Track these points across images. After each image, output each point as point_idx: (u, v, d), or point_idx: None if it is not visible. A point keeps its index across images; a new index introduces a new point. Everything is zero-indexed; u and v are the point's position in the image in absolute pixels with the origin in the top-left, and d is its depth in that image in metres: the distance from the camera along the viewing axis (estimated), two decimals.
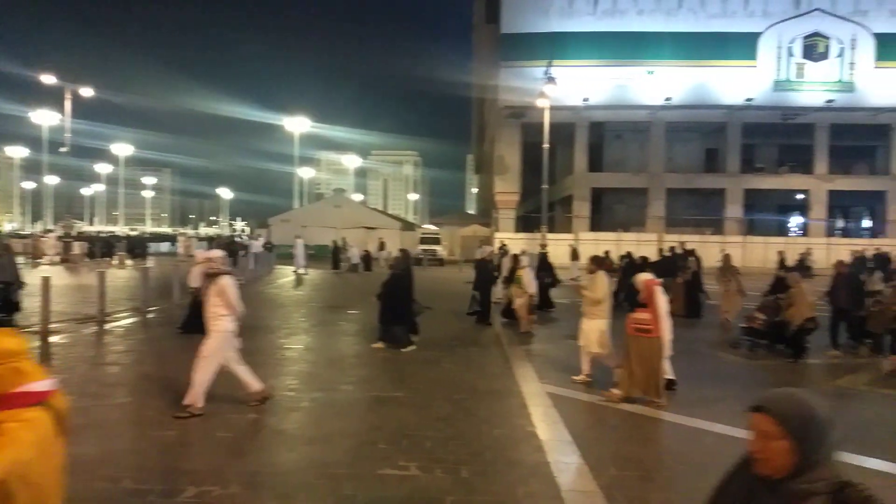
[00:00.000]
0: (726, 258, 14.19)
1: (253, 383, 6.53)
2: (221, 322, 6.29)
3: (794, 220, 42.10)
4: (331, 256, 30.22)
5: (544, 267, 15.72)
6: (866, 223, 42.94)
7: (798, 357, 9.68)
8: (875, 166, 39.16)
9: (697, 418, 6.60)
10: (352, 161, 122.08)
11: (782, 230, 40.97)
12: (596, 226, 36.93)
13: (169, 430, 5.78)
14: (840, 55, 35.62)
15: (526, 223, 38.50)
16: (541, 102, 28.11)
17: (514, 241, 33.86)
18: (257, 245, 31.79)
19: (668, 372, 7.52)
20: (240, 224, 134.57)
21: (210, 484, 4.55)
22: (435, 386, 7.70)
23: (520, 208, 39.67)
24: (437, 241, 37.24)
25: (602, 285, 8.03)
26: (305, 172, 79.88)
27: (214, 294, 6.29)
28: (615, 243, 29.69)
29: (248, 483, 4.62)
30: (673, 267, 15.90)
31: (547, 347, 10.75)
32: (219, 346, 6.26)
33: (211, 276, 6.41)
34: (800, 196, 38.55)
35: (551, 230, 32.03)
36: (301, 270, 26.51)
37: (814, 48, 35.69)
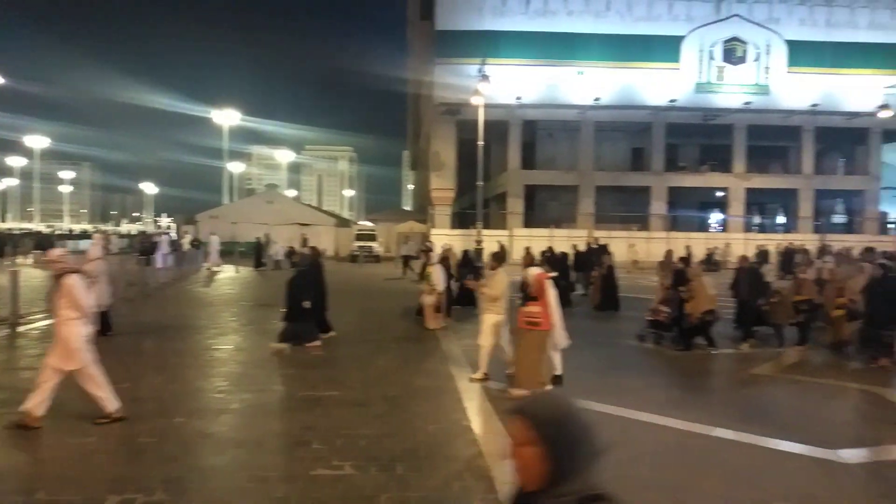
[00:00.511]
0: (668, 254, 14.86)
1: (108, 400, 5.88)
2: (70, 326, 5.69)
3: (715, 217, 44.22)
4: (254, 254, 29.39)
5: (466, 263, 15.74)
6: (780, 219, 45.58)
7: (688, 349, 9.98)
8: (788, 166, 41.58)
9: (623, 407, 6.84)
10: (285, 156, 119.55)
11: (703, 226, 42.97)
12: (530, 222, 37.58)
13: (89, 436, 5.50)
14: (756, 59, 37.60)
15: (462, 220, 38.76)
16: (475, 100, 28.34)
17: (450, 237, 34.09)
18: (185, 242, 30.64)
19: (557, 367, 7.65)
20: (165, 220, 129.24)
21: (133, 491, 4.36)
22: (370, 384, 7.65)
23: (455, 205, 39.91)
24: (372, 238, 36.98)
25: (500, 282, 8.01)
26: (235, 167, 77.50)
27: (62, 296, 5.69)
28: (548, 239, 30.32)
29: (174, 489, 4.45)
30: (591, 261, 16.48)
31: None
32: (71, 355, 5.67)
33: (57, 277, 5.79)
34: (720, 193, 40.46)
35: (486, 227, 32.36)
36: (215, 268, 26.08)
37: (733, 52, 37.53)
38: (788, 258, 21.72)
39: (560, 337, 7.47)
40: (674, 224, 38.54)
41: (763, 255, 21.35)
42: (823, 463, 5.41)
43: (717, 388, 8.50)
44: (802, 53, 37.15)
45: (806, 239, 33.53)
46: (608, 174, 38.89)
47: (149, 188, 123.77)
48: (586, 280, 16.86)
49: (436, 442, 5.66)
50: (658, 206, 38.32)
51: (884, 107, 29.96)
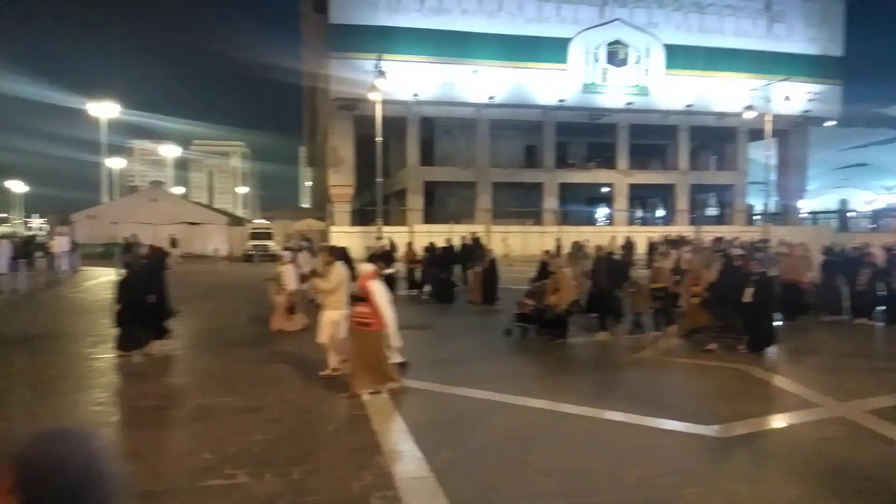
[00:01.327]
0: (576, 245, 15.47)
1: None
2: None
3: (602, 211, 46.62)
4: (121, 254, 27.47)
5: (384, 258, 15.64)
6: (660, 213, 48.76)
7: (559, 338, 10.14)
8: (667, 162, 44.49)
9: (512, 394, 7.06)
10: (170, 151, 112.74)
11: (591, 220, 45.14)
12: (429, 218, 37.83)
13: None
14: (637, 62, 39.91)
15: (362, 216, 38.39)
16: (372, 96, 28.08)
17: (350, 234, 33.67)
18: (65, 243, 28.09)
19: (397, 357, 7.69)
20: (37, 221, 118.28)
21: None
22: (266, 387, 7.40)
23: (355, 202, 39.45)
24: (268, 237, 35.77)
25: (335, 276, 7.79)
26: (115, 163, 72.23)
27: None
28: (448, 235, 30.67)
29: None
30: (472, 256, 16.86)
31: None
32: None
33: None
34: (605, 189, 42.65)
35: (387, 223, 32.20)
36: (72, 272, 24.58)
37: (616, 55, 39.61)
38: (654, 249, 23.20)
39: (394, 336, 7.42)
40: (565, 219, 40.17)
41: (629, 246, 22.77)
42: (702, 438, 5.85)
43: (601, 374, 8.85)
44: (678, 57, 39.84)
45: (683, 230, 36.05)
46: (504, 171, 39.90)
47: (16, 186, 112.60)
48: (466, 275, 17.16)
49: (335, 442, 5.58)
50: (550, 202, 39.79)
51: (749, 108, 32.70)
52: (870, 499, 4.49)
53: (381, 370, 7.01)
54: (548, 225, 37.68)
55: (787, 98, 31.46)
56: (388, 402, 6.75)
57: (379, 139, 28.48)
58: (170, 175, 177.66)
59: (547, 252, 13.34)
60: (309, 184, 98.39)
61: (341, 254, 14.53)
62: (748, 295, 9.26)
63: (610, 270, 11.31)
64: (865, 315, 12.29)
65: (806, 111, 40.82)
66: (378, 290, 7.11)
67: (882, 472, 5.02)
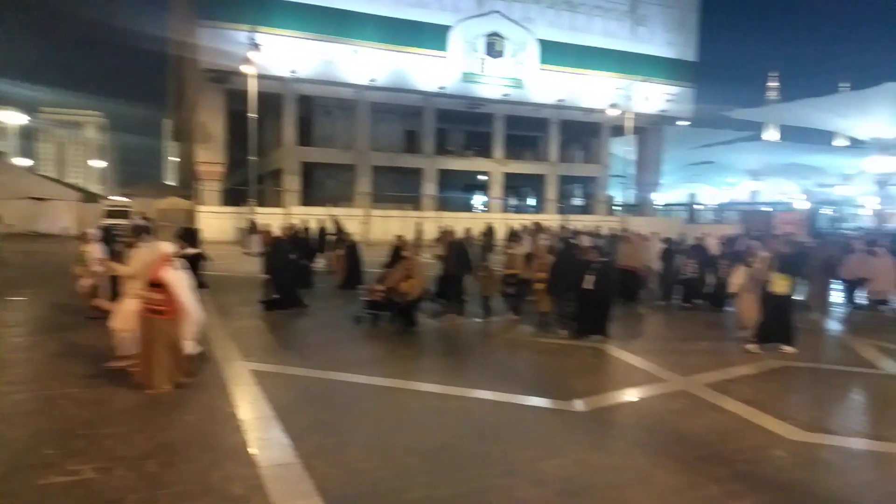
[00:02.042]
0: (446, 233, 15.64)
1: None
2: None
3: (478, 199, 47.88)
4: None
5: (187, 237, 13.71)
6: (532, 201, 50.90)
7: (411, 325, 9.97)
8: (538, 153, 46.46)
9: (385, 378, 7.13)
10: (13, 118, 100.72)
11: (468, 207, 46.23)
12: (307, 200, 36.86)
13: None
14: (514, 55, 41.17)
15: (233, 196, 36.57)
16: (245, 69, 26.79)
17: (219, 215, 32.01)
18: None
19: (191, 348, 6.94)
20: None
21: None
22: (118, 377, 6.87)
23: (226, 180, 37.48)
24: (126, 215, 33.09)
25: (137, 260, 6.99)
26: None
27: None
28: (325, 217, 30.08)
29: None
30: (335, 240, 16.81)
31: (254, 323, 10.44)
32: None
33: None
34: (482, 177, 43.82)
35: (261, 204, 30.99)
36: None
37: (493, 46, 40.59)
38: (513, 236, 24.32)
39: (191, 325, 6.76)
40: (443, 205, 40.78)
41: (489, 232, 23.83)
42: (560, 413, 6.23)
43: (463, 355, 9.07)
44: (551, 52, 41.59)
45: (552, 219, 37.95)
46: (384, 155, 39.72)
47: None
48: (329, 258, 16.94)
49: (195, 432, 5.31)
50: (429, 188, 40.22)
51: (613, 105, 34.96)
52: (705, 462, 5.01)
53: (174, 361, 6.45)
54: (426, 210, 38.06)
55: (646, 98, 33.87)
56: (258, 390, 6.54)
57: (253, 115, 27.28)
58: (13, 145, 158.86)
59: (399, 237, 13.20)
60: (174, 159, 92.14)
61: (188, 236, 13.62)
62: (588, 282, 9.44)
63: (460, 256, 11.47)
64: (694, 300, 13.23)
65: (662, 111, 44.24)
66: (174, 275, 6.50)
67: (715, 438, 5.62)
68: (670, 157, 57.26)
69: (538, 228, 20.04)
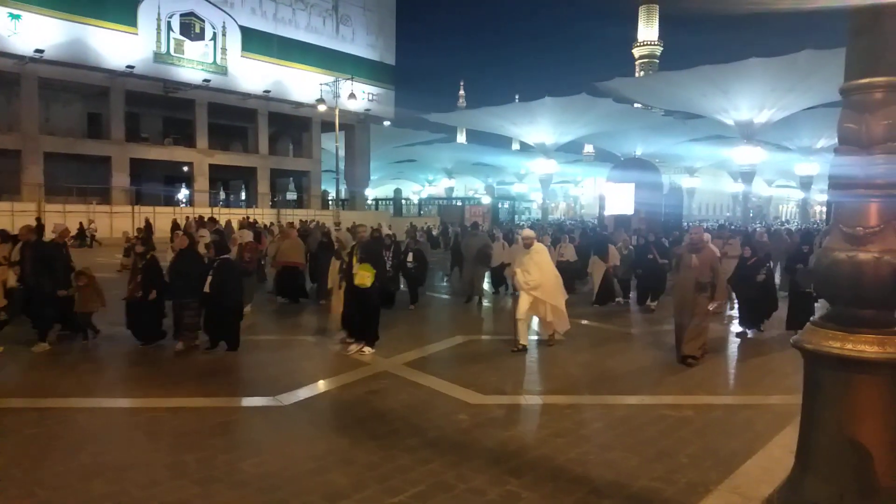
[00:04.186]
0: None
1: None
2: None
3: (183, 192, 44.26)
4: None
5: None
6: (243, 195, 48.92)
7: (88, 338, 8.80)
8: (248, 145, 44.80)
9: (57, 397, 6.23)
10: None
11: (170, 200, 42.46)
12: None
13: None
14: (213, 39, 38.85)
15: None
16: None
17: None
18: None
19: None
20: None
21: None
22: None
23: None
24: None
25: None
26: None
27: None
28: None
29: None
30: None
31: None
32: None
33: None
34: (185, 168, 40.61)
35: None
36: None
37: (191, 27, 37.75)
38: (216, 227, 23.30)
39: None
40: (139, 198, 36.75)
41: (149, 227, 23.24)
42: (263, 410, 6.16)
43: (142, 365, 8.39)
44: (255, 41, 40.36)
45: (265, 214, 37.02)
46: (61, 140, 34.14)
47: None
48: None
49: None
50: (120, 178, 35.79)
51: (320, 101, 35.32)
52: (399, 435, 5.42)
53: None
54: (118, 204, 33.85)
55: (351, 95, 35.09)
56: None
57: None
58: None
59: (127, 234, 11.70)
60: None
61: None
62: (207, 285, 8.13)
63: (42, 260, 8.44)
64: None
65: (367, 109, 46.39)
66: None
67: (410, 411, 6.12)
68: (377, 155, 60.43)
69: (212, 222, 18.20)
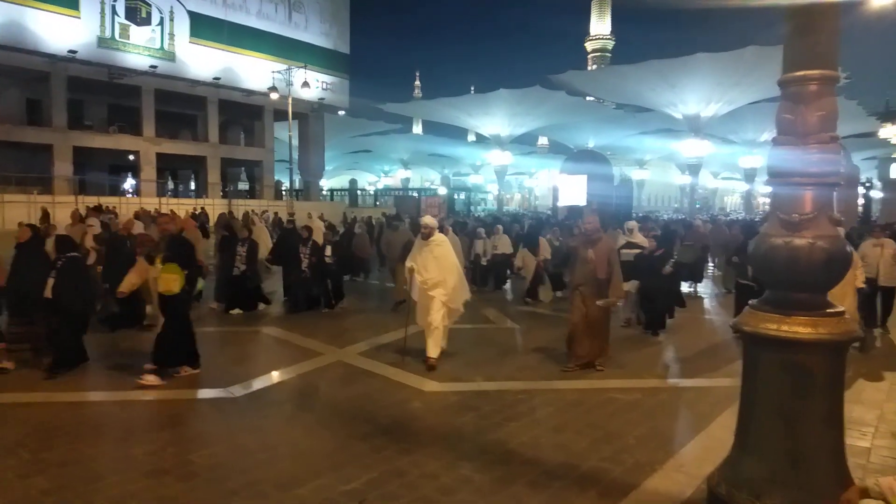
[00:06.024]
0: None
1: None
2: None
3: (129, 182, 42.77)
4: None
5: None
6: (193, 185, 47.61)
7: None
8: (197, 133, 43.52)
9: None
10: None
11: (116, 190, 40.99)
12: None
13: None
14: (161, 24, 37.54)
15: None
16: None
17: None
18: None
19: None
20: None
21: None
22: None
23: None
24: None
25: None
26: None
27: None
28: None
29: None
30: None
31: None
32: None
33: None
34: (131, 157, 39.23)
35: None
36: None
37: (136, 11, 36.34)
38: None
39: None
40: (83, 187, 35.29)
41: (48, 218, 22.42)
42: (215, 402, 6.06)
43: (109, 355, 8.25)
44: (204, 27, 39.15)
45: (216, 204, 36.13)
46: None
47: None
48: None
49: None
50: (63, 167, 34.33)
51: (273, 89, 34.53)
52: (350, 424, 5.42)
53: None
54: (61, 194, 32.48)
55: (305, 84, 34.50)
56: None
57: None
58: None
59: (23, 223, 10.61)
60: None
61: None
62: (48, 289, 6.75)
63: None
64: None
65: (321, 98, 45.65)
66: None
67: (362, 398, 6.14)
68: (333, 144, 59.66)
69: (107, 211, 16.68)
